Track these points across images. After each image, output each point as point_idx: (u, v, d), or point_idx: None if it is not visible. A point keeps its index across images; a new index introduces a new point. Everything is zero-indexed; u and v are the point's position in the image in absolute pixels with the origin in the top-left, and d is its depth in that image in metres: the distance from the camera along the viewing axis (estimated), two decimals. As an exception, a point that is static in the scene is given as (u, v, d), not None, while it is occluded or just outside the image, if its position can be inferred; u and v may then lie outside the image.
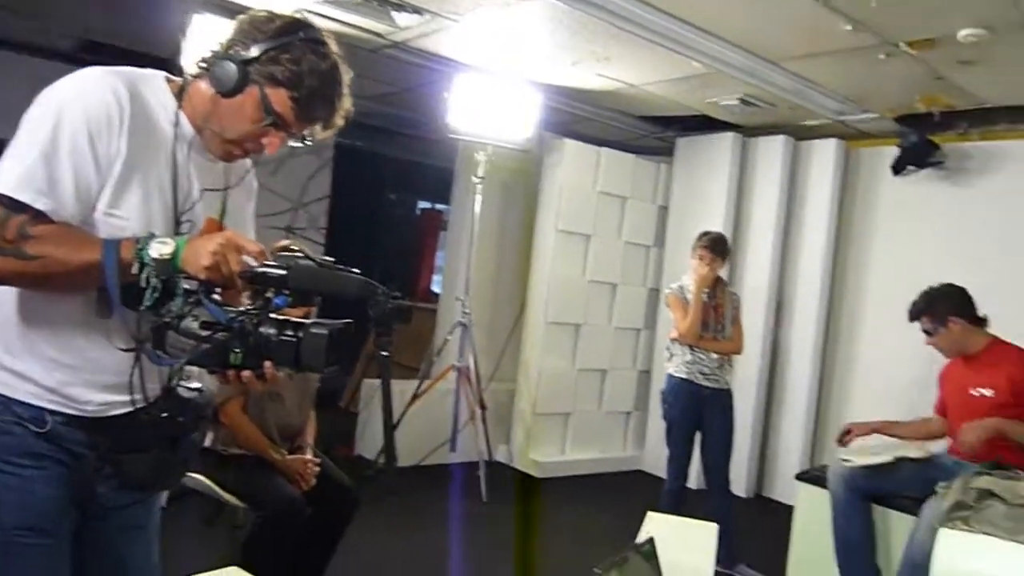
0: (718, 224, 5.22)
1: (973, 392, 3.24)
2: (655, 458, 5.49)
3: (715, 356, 3.83)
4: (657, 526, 2.06)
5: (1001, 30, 3.19)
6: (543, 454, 5.34)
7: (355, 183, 6.84)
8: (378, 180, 7.53)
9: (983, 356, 3.27)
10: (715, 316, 3.84)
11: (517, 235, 5.67)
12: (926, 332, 3.38)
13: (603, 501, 4.90)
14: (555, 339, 5.37)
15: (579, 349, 5.47)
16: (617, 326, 5.64)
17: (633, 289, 5.72)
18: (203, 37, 3.30)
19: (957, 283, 3.91)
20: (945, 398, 3.47)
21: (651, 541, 1.82)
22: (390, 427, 4.58)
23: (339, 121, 1.45)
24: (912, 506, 3.12)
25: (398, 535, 3.77)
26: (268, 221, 5.81)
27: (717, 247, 3.86)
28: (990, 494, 2.25)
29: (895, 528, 3.33)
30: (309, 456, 2.69)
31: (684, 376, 3.82)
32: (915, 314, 3.40)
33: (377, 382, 4.87)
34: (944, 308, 3.31)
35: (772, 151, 5.29)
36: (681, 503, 3.82)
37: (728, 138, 5.36)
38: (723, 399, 3.89)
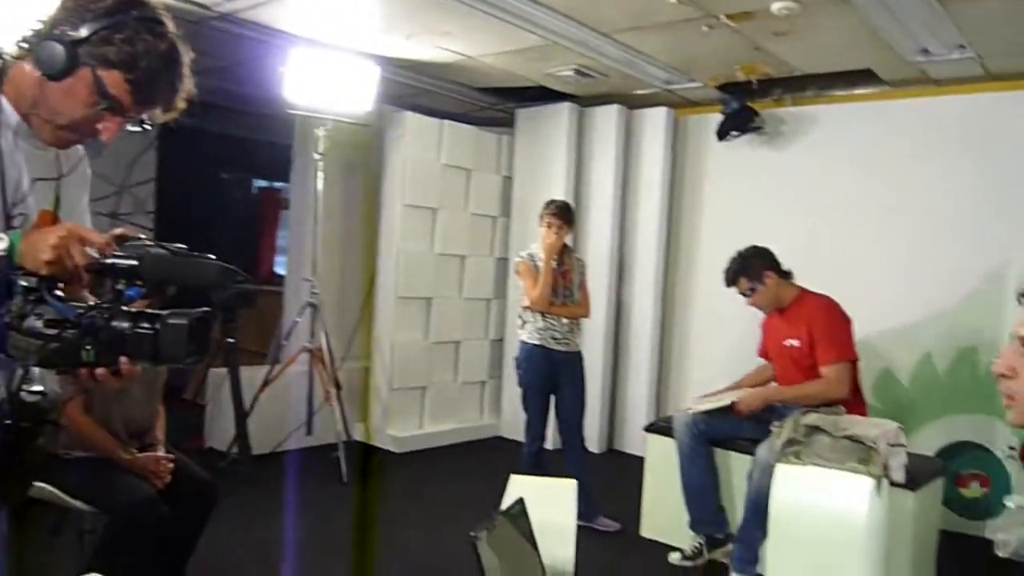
0: (560, 192, 5.38)
1: (786, 343, 3.56)
2: (512, 423, 5.64)
3: (565, 321, 3.97)
4: (519, 487, 2.13)
5: (810, 3, 3.45)
6: (401, 429, 5.34)
7: (184, 163, 6.44)
8: (210, 159, 7.12)
9: (792, 308, 3.55)
10: (563, 282, 3.96)
11: (362, 211, 5.58)
12: (745, 294, 3.62)
13: (465, 469, 4.98)
14: (406, 314, 5.36)
15: (431, 322, 5.49)
16: (467, 297, 5.71)
17: (482, 260, 5.80)
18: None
19: (777, 240, 4.25)
20: (767, 347, 3.79)
21: (521, 501, 1.89)
22: (242, 415, 4.45)
23: (181, 104, 1.38)
24: (750, 447, 3.40)
25: (258, 524, 3.67)
26: (91, 207, 5.38)
27: (564, 214, 3.98)
28: (817, 429, 2.49)
29: (736, 468, 3.62)
30: (161, 453, 2.57)
31: (537, 342, 3.94)
32: (732, 278, 3.63)
33: (224, 371, 4.70)
34: (758, 266, 3.56)
35: (607, 120, 5.50)
36: (541, 464, 3.96)
37: (565, 108, 5.51)
38: (575, 361, 4.04)
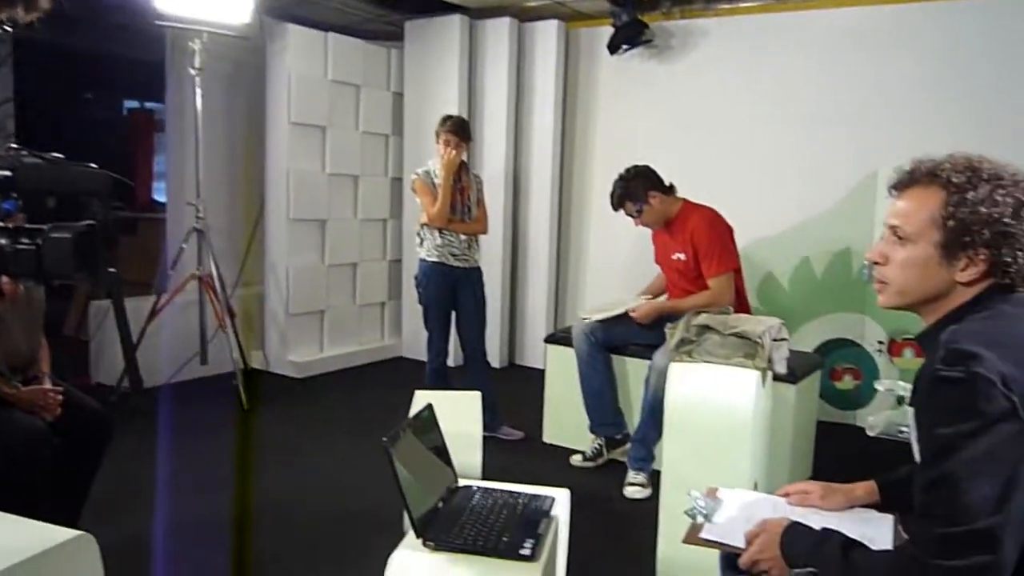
0: (453, 108, 5.28)
1: (673, 257, 3.68)
2: (414, 343, 5.66)
3: (464, 237, 3.97)
4: (425, 401, 2.17)
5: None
6: (301, 354, 5.27)
7: (44, 82, 5.96)
8: (71, 78, 6.61)
9: (677, 221, 3.65)
10: (461, 199, 3.94)
11: (247, 131, 5.34)
12: (632, 215, 3.69)
13: (368, 391, 4.99)
14: (300, 237, 5.22)
15: (327, 245, 5.38)
16: (363, 218, 5.60)
17: (376, 179, 5.68)
18: None
19: (667, 153, 4.35)
20: (658, 259, 3.91)
21: (430, 407, 1.92)
22: (130, 348, 4.28)
23: (44, 3, 1.26)
24: (647, 352, 3.55)
25: (157, 455, 3.58)
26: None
27: (461, 131, 3.93)
28: (707, 328, 2.62)
29: (632, 373, 3.78)
30: (48, 385, 2.44)
31: (436, 259, 3.93)
32: (617, 202, 3.68)
33: (106, 303, 4.48)
34: (641, 188, 3.61)
35: (499, 33, 5.40)
36: (444, 379, 4.01)
37: (456, 21, 5.37)
38: (474, 277, 4.06)
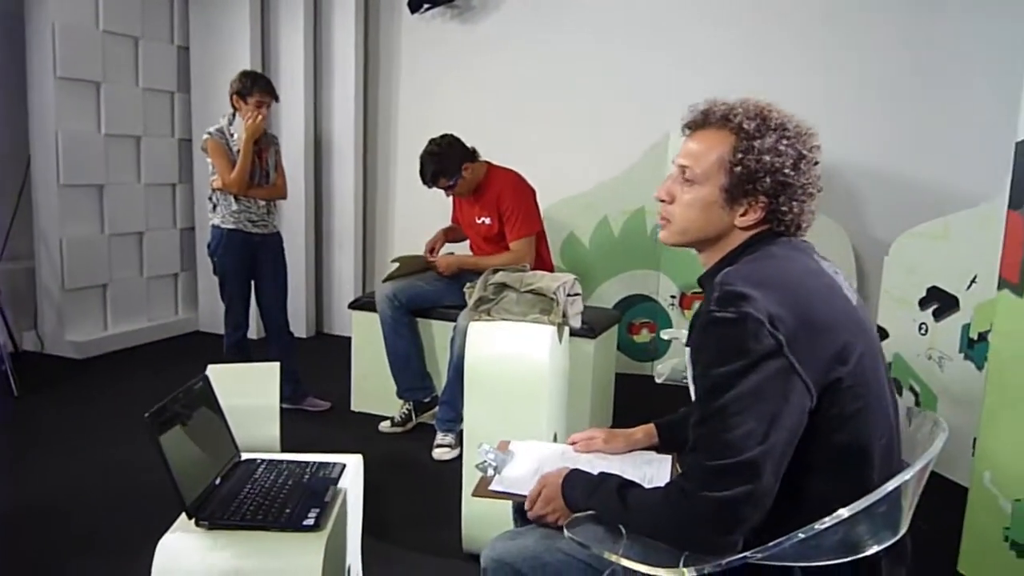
0: (246, 65, 4.98)
1: (478, 220, 3.70)
2: (211, 316, 5.34)
3: (262, 203, 3.75)
4: (217, 376, 2.02)
5: None
6: (81, 333, 4.80)
7: None
8: None
9: (484, 186, 3.66)
10: (260, 163, 3.71)
11: (5, 86, 4.73)
12: (447, 189, 3.65)
13: (161, 369, 4.63)
14: (75, 204, 4.72)
15: (106, 212, 4.90)
16: (148, 183, 5.16)
17: (161, 141, 5.23)
18: None
19: (469, 115, 4.32)
20: (459, 221, 3.90)
21: (205, 379, 1.78)
22: None
23: None
24: (451, 314, 3.54)
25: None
26: None
27: (274, 92, 3.70)
28: (504, 286, 2.63)
29: (438, 335, 3.76)
30: None
31: (232, 226, 3.68)
32: (432, 179, 3.60)
33: None
34: (454, 161, 3.57)
35: (293, -14, 5.12)
36: (245, 353, 3.80)
37: (246, -31, 5.03)
38: (274, 243, 3.86)
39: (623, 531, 1.31)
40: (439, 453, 3.41)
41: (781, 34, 4.41)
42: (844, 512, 1.16)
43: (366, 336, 3.89)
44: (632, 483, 1.37)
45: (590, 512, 1.37)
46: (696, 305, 4.42)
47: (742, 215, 1.36)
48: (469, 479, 2.56)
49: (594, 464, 1.61)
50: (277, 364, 2.69)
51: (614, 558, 1.25)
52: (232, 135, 3.65)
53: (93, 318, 4.91)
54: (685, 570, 1.22)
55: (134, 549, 2.49)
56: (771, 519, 1.21)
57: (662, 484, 1.50)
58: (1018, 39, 3.74)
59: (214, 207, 3.73)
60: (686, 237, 1.44)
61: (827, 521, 1.16)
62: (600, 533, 1.33)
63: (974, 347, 3.12)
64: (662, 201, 1.45)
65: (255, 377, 2.43)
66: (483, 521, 2.49)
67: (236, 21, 5.08)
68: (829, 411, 1.24)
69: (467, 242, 3.94)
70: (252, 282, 3.84)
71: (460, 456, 3.32)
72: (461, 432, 3.42)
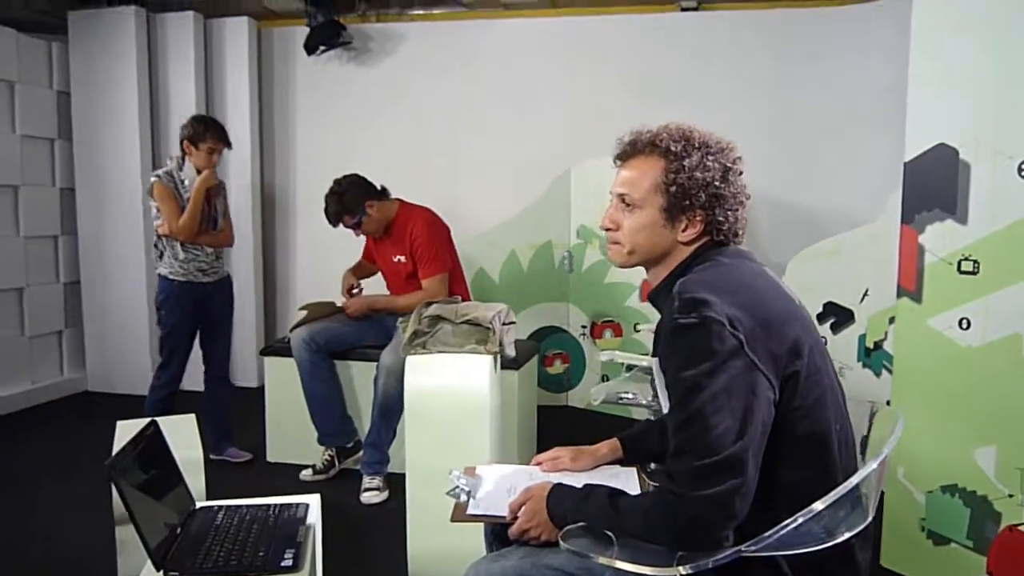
0: (133, 111, 4.84)
1: (394, 259, 3.69)
2: (102, 375, 5.05)
3: (210, 250, 3.60)
4: (128, 432, 1.93)
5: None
6: (-44, 400, 4.42)
7: None
8: None
9: (397, 224, 3.65)
10: (208, 209, 3.56)
11: None
12: (352, 228, 3.62)
13: (50, 434, 4.29)
14: (-54, 260, 4.38)
15: (-18, 267, 4.56)
16: (28, 235, 4.83)
17: (42, 190, 4.93)
18: None
19: (373, 156, 4.31)
20: (371, 258, 3.87)
21: (154, 425, 1.70)
22: None
23: None
24: (373, 354, 3.49)
25: None
26: None
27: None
28: (439, 318, 2.63)
29: (358, 376, 3.69)
30: None
31: (182, 278, 3.52)
32: (335, 218, 3.58)
33: None
34: (357, 198, 3.55)
35: (182, 29, 4.97)
36: (170, 411, 3.57)
37: (129, 13, 4.84)
38: (226, 288, 3.74)
39: (613, 538, 1.34)
40: (368, 497, 3.33)
41: (678, 67, 4.68)
42: (819, 505, 1.24)
43: (279, 383, 3.77)
44: (620, 491, 1.41)
45: (580, 523, 1.39)
46: (607, 334, 4.57)
47: (683, 230, 1.45)
48: (414, 516, 2.52)
49: (565, 483, 1.64)
50: (193, 416, 2.62)
51: (616, 564, 1.28)
52: (183, 181, 3.51)
53: (-32, 382, 4.53)
54: (680, 568, 1.26)
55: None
56: (750, 512, 1.28)
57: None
58: (897, 77, 4.11)
59: (161, 255, 3.55)
60: (635, 258, 1.52)
61: (811, 510, 1.24)
62: (591, 543, 1.36)
63: (871, 355, 3.37)
64: (607, 229, 1.53)
65: (175, 428, 2.32)
66: (431, 558, 2.47)
67: (122, 66, 4.87)
68: (791, 403, 1.33)
69: (375, 277, 3.92)
70: (197, 333, 3.68)
71: (389, 498, 3.29)
72: (388, 475, 3.39)
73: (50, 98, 4.97)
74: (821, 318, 3.60)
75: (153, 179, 3.52)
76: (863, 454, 1.61)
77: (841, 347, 3.52)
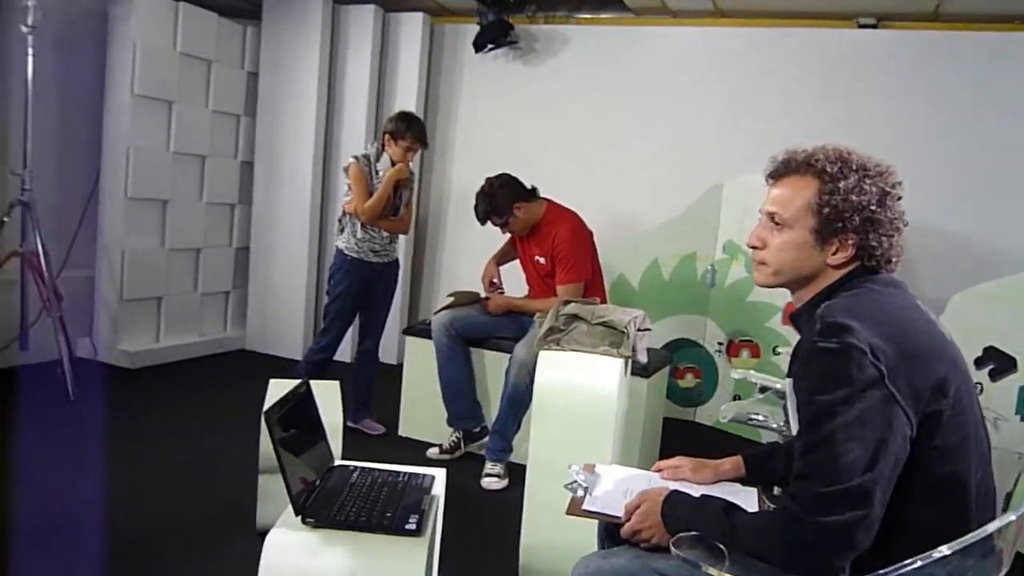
0: (312, 94, 5.17)
1: (535, 258, 3.78)
2: (259, 336, 5.46)
3: (386, 234, 3.85)
4: (280, 390, 2.09)
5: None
6: (135, 343, 4.90)
7: None
8: None
9: (543, 226, 3.73)
10: (392, 197, 3.81)
11: (84, 99, 4.90)
12: (501, 227, 3.74)
13: (208, 384, 4.71)
14: (139, 217, 4.86)
15: (168, 227, 5.03)
16: (209, 201, 5.30)
17: (224, 161, 5.39)
18: None
19: (529, 155, 4.38)
20: (520, 258, 3.97)
21: (307, 384, 1.85)
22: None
23: None
24: (506, 344, 3.61)
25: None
26: None
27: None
28: (576, 317, 2.68)
29: (490, 366, 3.81)
30: None
31: (355, 255, 3.79)
32: (483, 218, 3.71)
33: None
34: (506, 201, 3.65)
35: (362, 20, 5.29)
36: (322, 376, 3.83)
37: (318, 3, 5.19)
38: (390, 271, 3.98)
39: (725, 552, 1.34)
40: (488, 482, 3.44)
41: (831, 101, 4.50)
42: (945, 549, 1.17)
43: (418, 363, 3.96)
44: (737, 506, 1.41)
45: (693, 532, 1.41)
46: (744, 353, 4.47)
47: (833, 253, 1.43)
48: (529, 507, 2.59)
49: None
50: (337, 383, 2.80)
51: (723, 576, 1.29)
52: (378, 172, 3.76)
53: (147, 329, 5.02)
54: (791, 592, 1.25)
55: (202, 559, 2.56)
56: (872, 546, 1.25)
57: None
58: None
59: (342, 230, 3.84)
60: (780, 278, 1.50)
61: (937, 552, 1.19)
62: (702, 552, 1.37)
63: (1031, 409, 3.13)
64: (754, 247, 1.52)
65: (321, 392, 2.49)
66: (542, 550, 2.52)
67: (306, 51, 5.25)
68: (931, 442, 1.28)
69: (514, 267, 4.01)
70: (359, 308, 3.95)
71: (508, 487, 3.38)
72: (509, 463, 3.48)
73: (241, 78, 5.42)
74: (979, 362, 3.37)
75: (352, 160, 3.77)
76: (1005, 509, 1.52)
77: (998, 396, 3.28)
